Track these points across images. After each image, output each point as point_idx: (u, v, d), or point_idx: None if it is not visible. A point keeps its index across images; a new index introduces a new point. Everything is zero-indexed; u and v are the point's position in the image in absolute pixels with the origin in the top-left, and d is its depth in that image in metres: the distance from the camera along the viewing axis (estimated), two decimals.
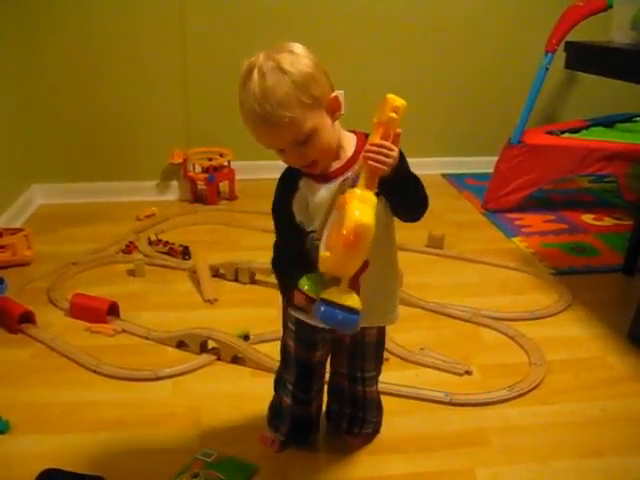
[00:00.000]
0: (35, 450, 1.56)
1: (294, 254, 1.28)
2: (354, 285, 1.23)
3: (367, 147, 1.15)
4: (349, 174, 1.23)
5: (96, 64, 3.13)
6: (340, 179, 1.23)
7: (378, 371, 1.53)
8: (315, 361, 1.47)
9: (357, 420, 1.54)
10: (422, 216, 1.29)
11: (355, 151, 1.25)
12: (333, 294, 1.17)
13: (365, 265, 1.22)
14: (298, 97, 1.13)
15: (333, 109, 1.20)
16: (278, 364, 1.55)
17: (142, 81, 3.19)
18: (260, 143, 1.20)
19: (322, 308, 1.17)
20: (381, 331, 1.48)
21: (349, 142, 1.27)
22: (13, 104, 3.03)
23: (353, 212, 1.11)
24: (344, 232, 1.10)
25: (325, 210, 1.23)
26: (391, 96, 1.16)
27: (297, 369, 1.48)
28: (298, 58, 1.15)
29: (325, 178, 1.24)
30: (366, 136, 1.25)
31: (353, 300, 1.17)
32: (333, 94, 1.20)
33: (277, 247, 1.37)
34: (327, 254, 1.14)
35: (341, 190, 1.21)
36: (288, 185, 1.27)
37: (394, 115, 1.15)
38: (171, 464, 1.49)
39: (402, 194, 1.23)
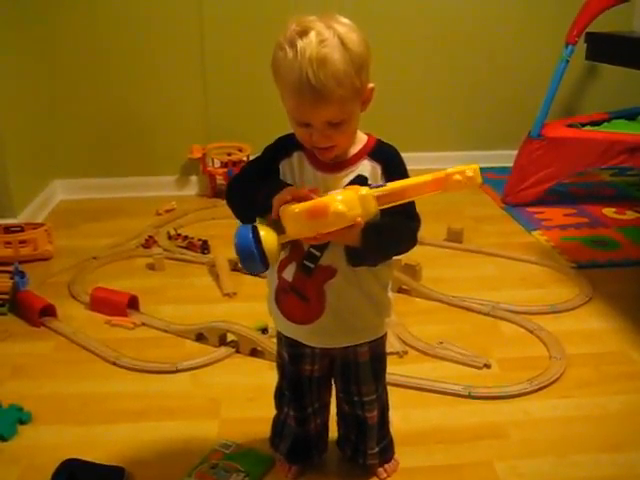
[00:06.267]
0: (56, 440, 1.58)
1: (248, 199, 1.21)
2: (319, 293, 1.23)
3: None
4: (357, 172, 1.19)
5: (116, 61, 3.16)
6: (341, 173, 1.19)
7: (379, 394, 1.40)
8: (305, 375, 1.38)
9: (359, 450, 1.45)
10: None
11: (361, 150, 1.20)
12: (263, 226, 1.14)
13: (330, 273, 1.22)
14: (352, 78, 1.07)
15: (367, 99, 1.16)
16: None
17: (161, 77, 3.21)
18: (289, 111, 1.13)
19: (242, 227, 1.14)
20: (375, 349, 1.35)
21: (359, 140, 1.22)
22: (35, 102, 3.05)
23: (337, 197, 1.08)
24: (322, 204, 1.08)
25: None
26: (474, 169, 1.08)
27: (289, 382, 1.40)
28: (357, 37, 1.09)
29: (324, 166, 1.19)
30: (377, 140, 1.22)
31: (268, 237, 1.12)
32: (371, 85, 1.15)
33: (237, 180, 1.28)
34: (296, 209, 1.09)
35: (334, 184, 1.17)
36: (282, 148, 1.22)
37: (459, 177, 1.08)
38: (190, 455, 1.51)
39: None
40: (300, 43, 1.05)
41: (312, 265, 1.22)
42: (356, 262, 1.19)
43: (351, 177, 1.19)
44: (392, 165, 1.20)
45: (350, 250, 1.17)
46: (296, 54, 1.05)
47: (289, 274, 1.25)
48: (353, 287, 1.24)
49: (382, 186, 1.11)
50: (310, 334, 1.29)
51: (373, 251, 1.17)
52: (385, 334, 1.37)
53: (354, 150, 1.20)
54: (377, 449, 1.44)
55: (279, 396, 1.46)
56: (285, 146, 1.22)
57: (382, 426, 1.45)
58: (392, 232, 1.18)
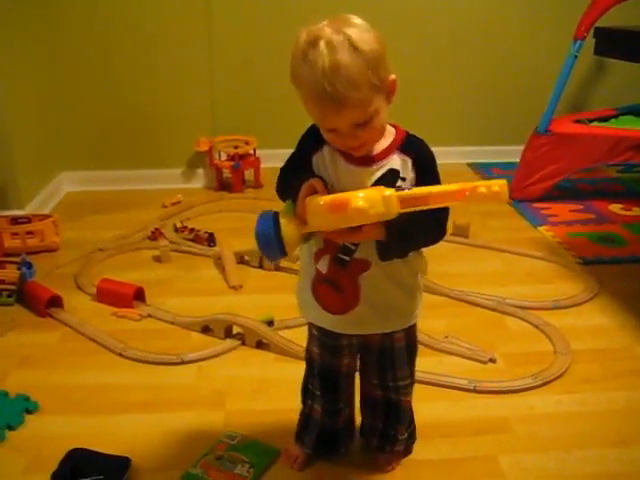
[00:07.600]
0: (62, 430, 1.59)
1: (288, 184, 1.23)
2: (354, 285, 1.24)
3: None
4: (389, 165, 1.19)
5: (123, 53, 3.16)
6: (373, 167, 1.19)
7: (412, 379, 1.43)
8: (343, 370, 1.40)
9: (389, 437, 1.46)
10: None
11: (391, 144, 1.20)
12: (285, 212, 1.18)
13: (365, 266, 1.23)
14: (368, 78, 1.07)
15: (391, 92, 1.16)
16: (304, 371, 1.47)
17: (168, 69, 3.20)
18: (314, 119, 1.14)
19: (264, 213, 1.17)
20: (410, 334, 1.38)
21: (389, 133, 1.22)
22: (42, 94, 3.06)
23: (359, 194, 1.09)
24: (344, 199, 1.10)
25: (338, 186, 1.19)
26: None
27: (323, 378, 1.41)
28: (368, 35, 1.08)
29: (355, 159, 1.19)
30: (406, 133, 1.22)
31: (287, 226, 1.15)
32: (392, 76, 1.14)
33: (280, 174, 1.30)
34: (320, 202, 1.12)
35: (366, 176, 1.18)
36: (313, 140, 1.22)
37: (484, 189, 1.07)
38: (195, 446, 1.51)
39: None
40: (311, 55, 1.06)
41: (347, 258, 1.23)
42: (385, 256, 1.19)
43: (383, 170, 1.19)
44: (422, 157, 1.21)
45: (379, 244, 1.17)
46: (310, 67, 1.06)
47: (323, 266, 1.26)
48: (388, 278, 1.25)
49: (408, 189, 1.11)
50: (346, 323, 1.29)
51: (399, 244, 1.18)
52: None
53: (384, 144, 1.20)
54: (406, 434, 1.47)
55: (305, 391, 1.47)
56: (316, 138, 1.21)
57: (411, 411, 1.47)
58: (418, 222, 1.16)
